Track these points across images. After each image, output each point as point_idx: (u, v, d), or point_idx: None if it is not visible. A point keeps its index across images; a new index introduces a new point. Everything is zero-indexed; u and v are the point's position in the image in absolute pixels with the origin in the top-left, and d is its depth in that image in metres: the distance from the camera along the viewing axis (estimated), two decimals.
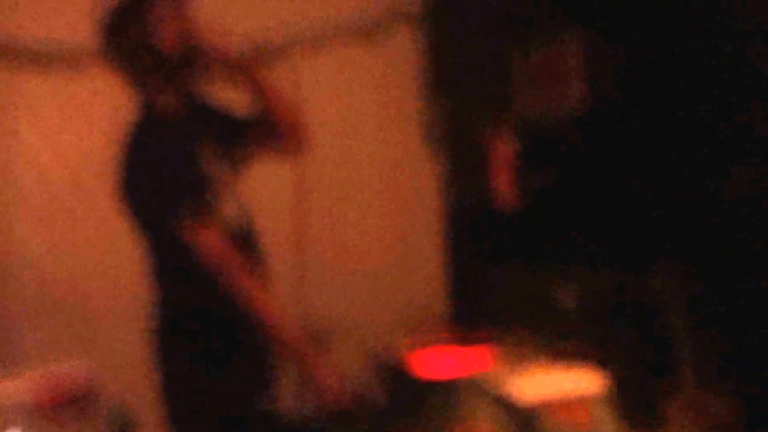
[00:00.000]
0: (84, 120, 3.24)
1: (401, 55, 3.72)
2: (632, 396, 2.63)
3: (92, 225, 3.22)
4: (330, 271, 3.50)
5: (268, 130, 2.23)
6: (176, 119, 2.13)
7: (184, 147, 2.09)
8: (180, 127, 2.12)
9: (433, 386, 2.29)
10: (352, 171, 3.66)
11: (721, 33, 3.57)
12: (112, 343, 3.11)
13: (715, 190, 3.55)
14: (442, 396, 2.25)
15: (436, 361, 2.38)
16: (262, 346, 2.16)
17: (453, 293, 3.66)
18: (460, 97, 4.00)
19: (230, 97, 2.23)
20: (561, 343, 2.77)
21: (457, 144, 3.89)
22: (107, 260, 3.22)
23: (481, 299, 3.82)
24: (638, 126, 3.85)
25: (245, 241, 2.16)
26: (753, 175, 3.44)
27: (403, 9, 3.73)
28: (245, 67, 2.14)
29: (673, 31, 3.76)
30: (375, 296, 3.56)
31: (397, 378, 2.47)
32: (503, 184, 3.99)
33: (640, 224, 3.71)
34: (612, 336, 3.19)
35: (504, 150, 4.08)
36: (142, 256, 2.16)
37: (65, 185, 3.22)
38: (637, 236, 3.70)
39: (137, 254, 2.19)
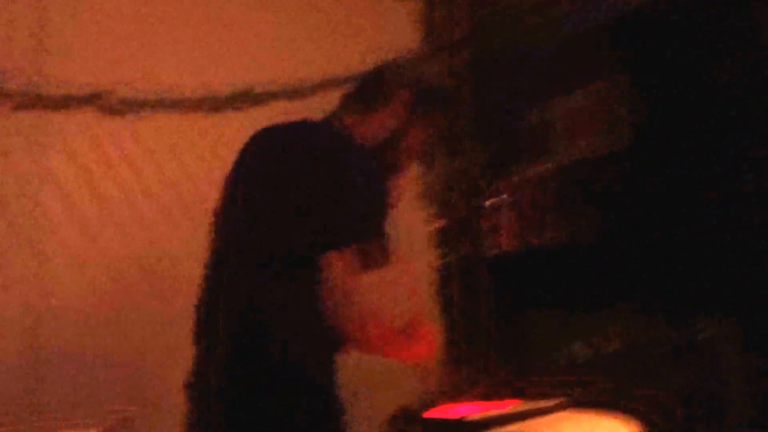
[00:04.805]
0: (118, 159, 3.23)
1: None
2: None
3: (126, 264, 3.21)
4: None
5: None
6: None
7: None
8: None
9: (447, 423, 2.21)
10: None
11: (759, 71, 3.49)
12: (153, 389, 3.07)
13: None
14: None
15: (455, 408, 2.30)
16: None
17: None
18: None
19: None
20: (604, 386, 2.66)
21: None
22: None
23: (519, 344, 3.73)
24: (681, 168, 3.75)
25: None
26: None
27: None
28: None
29: (713, 69, 3.67)
30: None
31: (412, 420, 2.39)
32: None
33: (686, 271, 3.59)
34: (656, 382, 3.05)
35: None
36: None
37: (99, 221, 3.18)
38: (684, 283, 3.58)
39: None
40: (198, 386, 2.18)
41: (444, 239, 3.67)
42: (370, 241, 2.03)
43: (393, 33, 3.49)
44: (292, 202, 2.05)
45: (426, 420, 2.26)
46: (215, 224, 2.24)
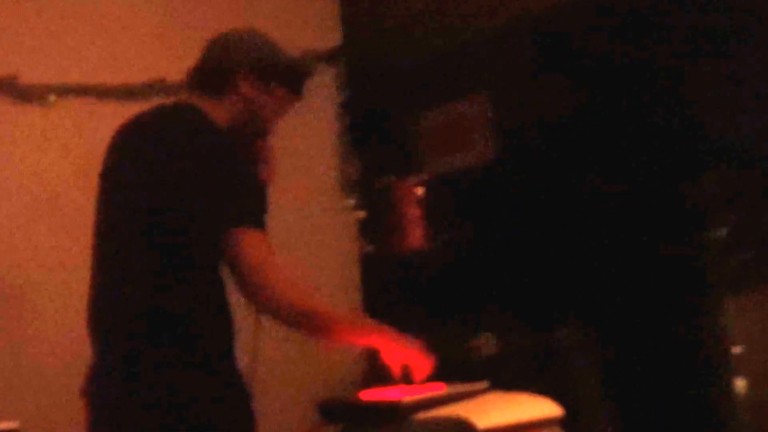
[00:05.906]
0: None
1: (320, 103, 3.69)
2: None
3: None
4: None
5: None
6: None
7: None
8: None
9: (381, 407, 2.22)
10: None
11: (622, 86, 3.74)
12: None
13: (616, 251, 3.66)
14: (392, 416, 2.19)
15: (386, 392, 2.32)
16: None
17: None
18: (374, 149, 4.04)
19: None
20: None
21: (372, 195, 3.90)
22: None
23: None
24: (543, 180, 3.95)
25: None
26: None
27: (322, 53, 3.73)
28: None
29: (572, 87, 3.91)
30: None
31: (344, 406, 2.39)
32: (414, 234, 4.02)
33: (549, 280, 3.78)
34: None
35: (412, 201, 4.13)
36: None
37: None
38: (548, 290, 3.76)
39: None
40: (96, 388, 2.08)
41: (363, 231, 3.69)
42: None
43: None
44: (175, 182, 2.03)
45: (362, 402, 2.27)
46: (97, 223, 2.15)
